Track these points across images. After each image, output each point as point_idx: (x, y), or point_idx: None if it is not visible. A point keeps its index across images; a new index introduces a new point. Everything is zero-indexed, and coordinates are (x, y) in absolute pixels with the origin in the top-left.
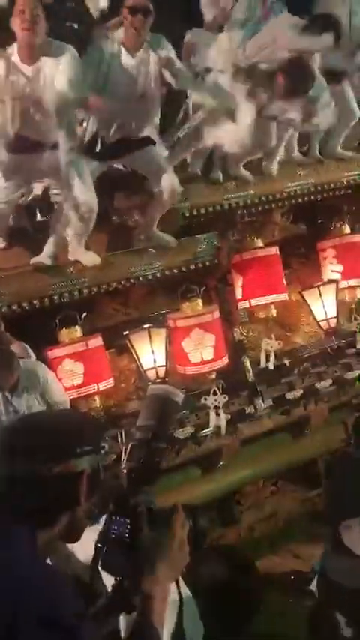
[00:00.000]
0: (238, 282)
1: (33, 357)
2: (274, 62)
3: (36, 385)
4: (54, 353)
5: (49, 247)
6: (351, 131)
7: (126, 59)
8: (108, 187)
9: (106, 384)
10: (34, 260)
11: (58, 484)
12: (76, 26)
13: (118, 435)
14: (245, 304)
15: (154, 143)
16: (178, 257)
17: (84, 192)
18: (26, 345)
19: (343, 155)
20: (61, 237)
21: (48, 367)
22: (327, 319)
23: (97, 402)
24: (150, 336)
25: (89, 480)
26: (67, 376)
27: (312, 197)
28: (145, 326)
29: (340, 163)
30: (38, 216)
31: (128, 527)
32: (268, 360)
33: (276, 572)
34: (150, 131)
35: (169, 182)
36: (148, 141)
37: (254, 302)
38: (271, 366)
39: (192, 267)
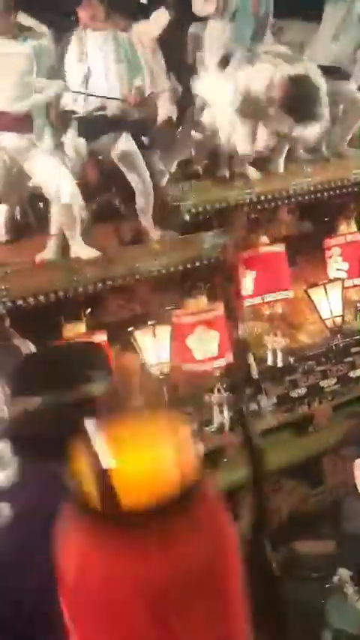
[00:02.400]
0: (248, 279)
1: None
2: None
3: None
4: None
5: (53, 243)
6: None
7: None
8: (110, 181)
9: None
10: (39, 256)
11: (73, 411)
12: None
13: None
14: (256, 300)
15: (127, 130)
16: (184, 254)
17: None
18: (29, 342)
19: (348, 153)
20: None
21: None
22: (332, 317)
23: None
24: (154, 333)
25: (102, 407)
26: None
27: (318, 195)
28: (150, 322)
29: (346, 161)
30: (42, 212)
31: None
32: (275, 358)
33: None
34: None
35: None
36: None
37: (267, 298)
38: (280, 364)
39: (197, 264)
